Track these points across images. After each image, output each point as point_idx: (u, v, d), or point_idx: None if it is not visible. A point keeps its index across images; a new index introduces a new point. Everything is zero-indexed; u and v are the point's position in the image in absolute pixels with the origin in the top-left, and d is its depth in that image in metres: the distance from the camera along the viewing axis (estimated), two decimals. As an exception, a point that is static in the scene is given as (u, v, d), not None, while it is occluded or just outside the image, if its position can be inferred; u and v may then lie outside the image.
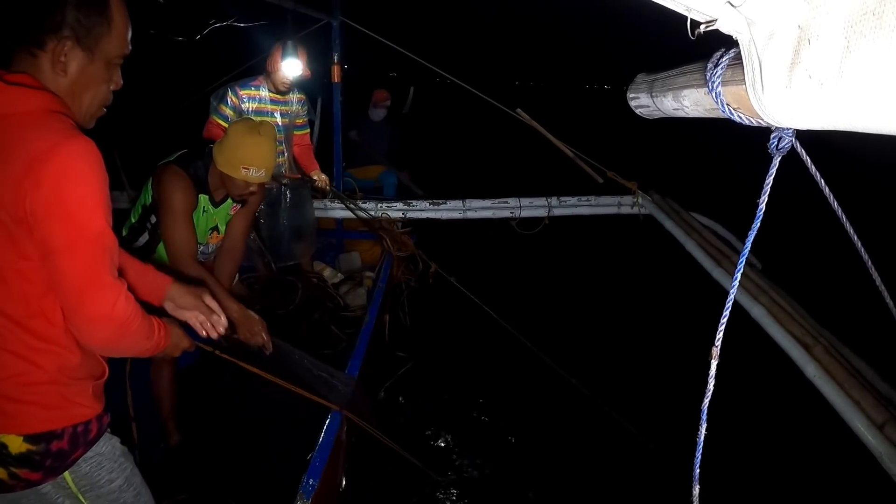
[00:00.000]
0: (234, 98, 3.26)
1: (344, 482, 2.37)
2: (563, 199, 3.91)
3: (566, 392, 3.54)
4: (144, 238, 2.35)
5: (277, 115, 3.41)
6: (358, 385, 2.36)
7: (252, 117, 3.23)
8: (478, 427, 3.37)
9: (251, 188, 2.23)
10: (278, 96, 3.36)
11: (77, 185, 1.00)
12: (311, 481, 1.80)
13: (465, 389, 3.68)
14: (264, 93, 3.33)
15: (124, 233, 2.43)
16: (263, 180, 2.21)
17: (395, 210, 3.93)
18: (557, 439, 3.28)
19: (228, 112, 3.27)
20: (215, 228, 2.42)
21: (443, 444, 3.18)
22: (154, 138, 4.14)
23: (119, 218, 3.60)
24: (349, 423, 2.23)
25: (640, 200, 3.77)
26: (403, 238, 3.84)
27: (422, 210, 3.94)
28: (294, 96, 3.47)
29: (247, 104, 3.29)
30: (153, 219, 2.28)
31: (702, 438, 0.80)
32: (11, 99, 1.02)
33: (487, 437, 3.27)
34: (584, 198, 3.91)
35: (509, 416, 3.46)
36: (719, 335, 0.78)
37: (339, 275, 3.81)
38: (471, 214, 3.94)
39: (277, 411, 2.28)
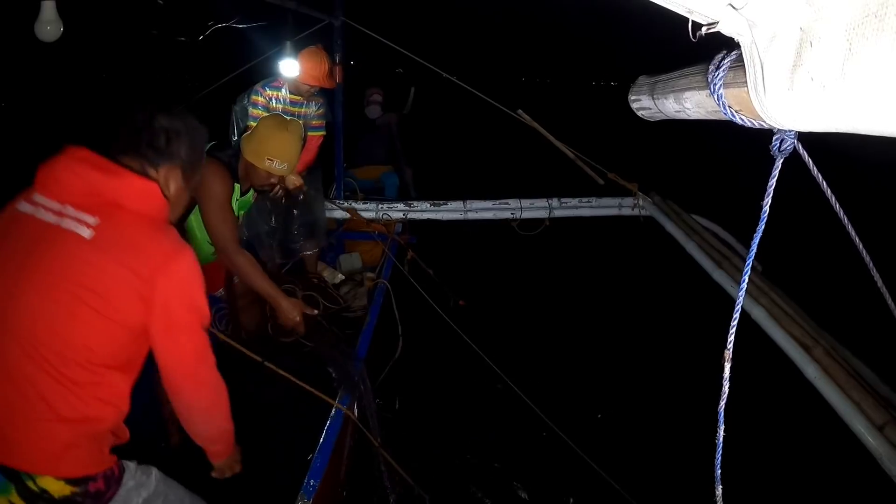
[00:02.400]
0: (260, 98, 3.29)
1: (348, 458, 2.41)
2: (563, 200, 3.91)
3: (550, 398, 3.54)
4: None
5: (296, 117, 3.42)
6: (364, 375, 2.48)
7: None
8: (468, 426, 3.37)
9: (272, 179, 2.37)
10: (298, 97, 3.38)
11: (197, 282, 1.30)
12: (311, 482, 1.81)
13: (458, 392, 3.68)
14: (285, 93, 3.36)
15: None
16: (285, 173, 2.35)
17: (396, 211, 3.93)
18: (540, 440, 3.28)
19: (260, 112, 3.29)
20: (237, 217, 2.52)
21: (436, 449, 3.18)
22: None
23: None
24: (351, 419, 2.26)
25: (640, 202, 3.76)
26: (374, 226, 3.89)
27: (422, 211, 3.94)
28: (313, 99, 3.49)
29: (271, 104, 3.32)
30: None
31: (720, 440, 0.81)
32: (149, 202, 1.26)
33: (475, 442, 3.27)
34: (584, 199, 3.91)
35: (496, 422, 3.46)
36: (731, 338, 0.79)
37: (340, 275, 3.80)
38: (471, 215, 3.94)
39: (279, 412, 2.28)
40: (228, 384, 1.79)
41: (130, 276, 1.18)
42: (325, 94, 3.70)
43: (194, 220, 2.40)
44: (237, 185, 2.38)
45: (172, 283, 1.23)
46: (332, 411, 2.22)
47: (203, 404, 1.42)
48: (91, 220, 1.18)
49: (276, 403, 2.42)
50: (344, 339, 2.70)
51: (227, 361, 2.66)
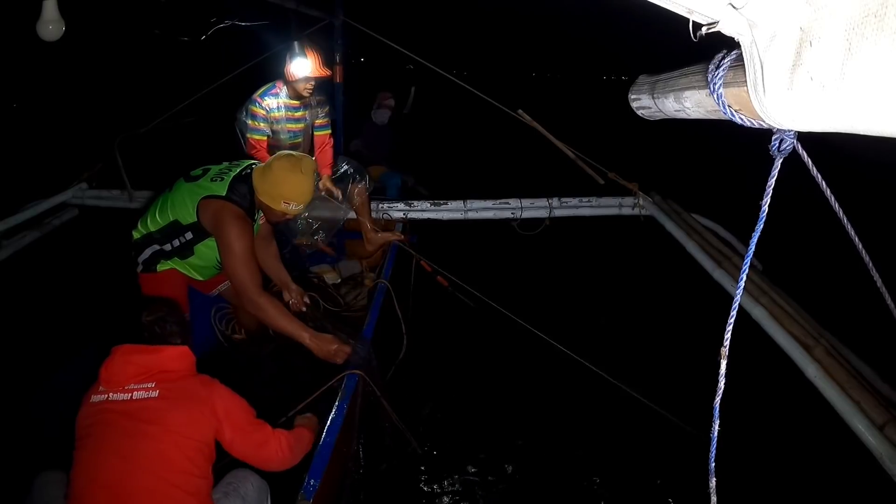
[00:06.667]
0: (258, 109, 3.22)
1: (357, 439, 2.51)
2: (564, 199, 3.91)
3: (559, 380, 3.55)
4: (166, 247, 2.38)
5: (297, 121, 3.39)
6: (371, 353, 2.54)
7: (273, 126, 3.29)
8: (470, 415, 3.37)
9: (288, 216, 2.40)
10: (296, 102, 3.32)
11: (234, 393, 1.75)
12: (311, 482, 1.81)
13: (460, 382, 3.68)
14: (283, 100, 3.29)
15: (136, 235, 2.43)
16: (301, 212, 2.42)
17: (397, 210, 3.93)
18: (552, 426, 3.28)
19: (261, 125, 3.25)
20: None
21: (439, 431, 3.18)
22: (155, 138, 4.15)
23: (119, 217, 3.57)
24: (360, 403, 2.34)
25: (641, 201, 3.77)
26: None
27: (423, 210, 3.94)
28: (313, 99, 3.41)
29: (272, 113, 3.27)
30: (184, 238, 2.34)
31: (715, 434, 0.84)
32: (185, 361, 1.72)
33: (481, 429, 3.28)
34: (585, 199, 3.91)
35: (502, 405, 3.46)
36: (727, 335, 0.81)
37: (339, 277, 3.80)
38: (472, 215, 3.94)
39: (285, 405, 2.29)
40: (229, 385, 1.80)
41: (196, 406, 1.63)
42: (326, 92, 3.65)
43: (198, 248, 2.40)
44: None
45: (222, 396, 1.70)
46: (342, 384, 2.25)
47: (287, 465, 1.84)
48: (150, 385, 1.62)
49: (283, 396, 2.43)
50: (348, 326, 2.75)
51: (227, 361, 2.67)
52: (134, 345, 1.68)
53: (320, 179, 3.46)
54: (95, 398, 1.61)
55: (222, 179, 2.30)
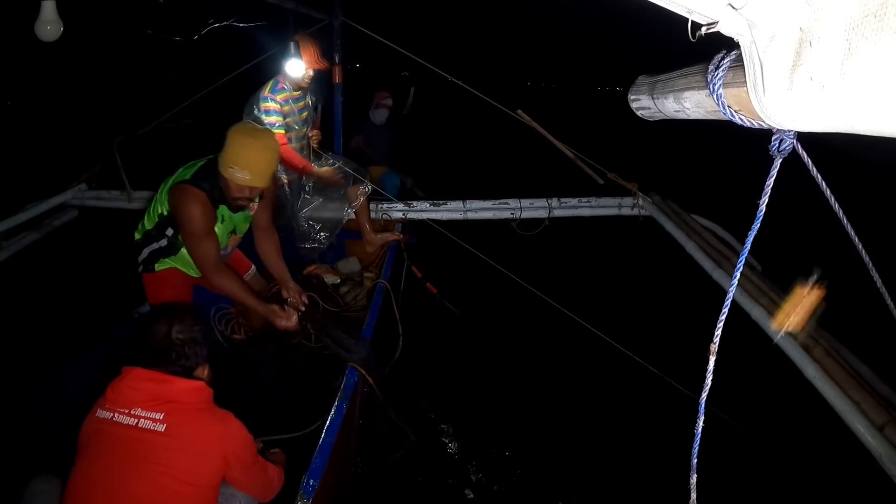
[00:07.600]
0: (272, 104, 3.22)
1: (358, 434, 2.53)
2: (563, 200, 3.91)
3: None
4: (162, 243, 2.39)
5: (302, 110, 3.40)
6: (370, 351, 2.56)
7: (285, 119, 3.29)
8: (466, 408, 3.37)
9: (245, 192, 2.24)
10: (297, 92, 3.33)
11: (245, 431, 1.65)
12: (311, 482, 1.80)
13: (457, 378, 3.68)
14: (288, 93, 3.30)
15: (137, 236, 2.45)
16: (249, 183, 2.20)
17: (396, 210, 3.93)
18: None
19: (277, 120, 3.25)
20: (234, 231, 2.51)
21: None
22: (154, 139, 4.15)
23: (119, 218, 3.56)
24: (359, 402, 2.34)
25: (640, 202, 3.77)
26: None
27: (422, 211, 3.94)
28: (309, 86, 3.41)
29: (284, 107, 3.28)
30: (170, 231, 2.35)
31: (699, 430, 0.83)
32: (198, 395, 1.61)
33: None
34: (584, 199, 3.91)
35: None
36: (718, 332, 0.80)
37: (339, 277, 3.80)
38: (471, 215, 3.95)
39: (279, 408, 2.29)
40: (227, 385, 1.80)
41: (206, 451, 1.54)
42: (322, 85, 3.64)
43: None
44: (223, 207, 2.35)
45: (235, 440, 1.61)
46: (343, 380, 2.26)
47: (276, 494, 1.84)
48: (159, 416, 1.52)
49: (281, 396, 2.42)
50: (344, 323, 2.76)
51: (226, 361, 2.67)
52: (146, 370, 1.58)
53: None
54: (101, 413, 1.53)
55: (194, 167, 2.29)
